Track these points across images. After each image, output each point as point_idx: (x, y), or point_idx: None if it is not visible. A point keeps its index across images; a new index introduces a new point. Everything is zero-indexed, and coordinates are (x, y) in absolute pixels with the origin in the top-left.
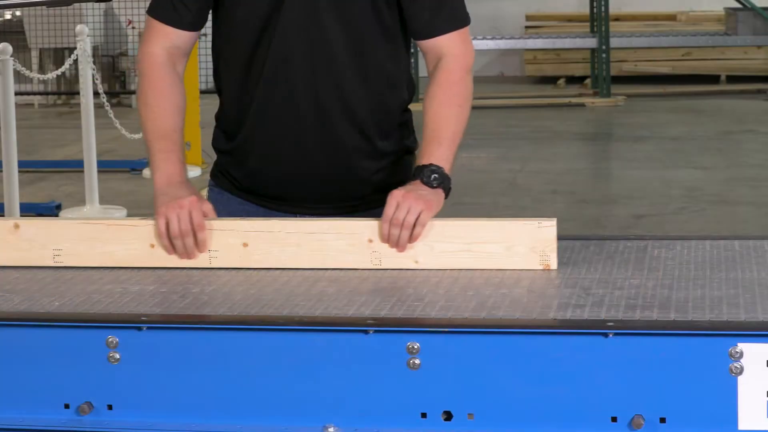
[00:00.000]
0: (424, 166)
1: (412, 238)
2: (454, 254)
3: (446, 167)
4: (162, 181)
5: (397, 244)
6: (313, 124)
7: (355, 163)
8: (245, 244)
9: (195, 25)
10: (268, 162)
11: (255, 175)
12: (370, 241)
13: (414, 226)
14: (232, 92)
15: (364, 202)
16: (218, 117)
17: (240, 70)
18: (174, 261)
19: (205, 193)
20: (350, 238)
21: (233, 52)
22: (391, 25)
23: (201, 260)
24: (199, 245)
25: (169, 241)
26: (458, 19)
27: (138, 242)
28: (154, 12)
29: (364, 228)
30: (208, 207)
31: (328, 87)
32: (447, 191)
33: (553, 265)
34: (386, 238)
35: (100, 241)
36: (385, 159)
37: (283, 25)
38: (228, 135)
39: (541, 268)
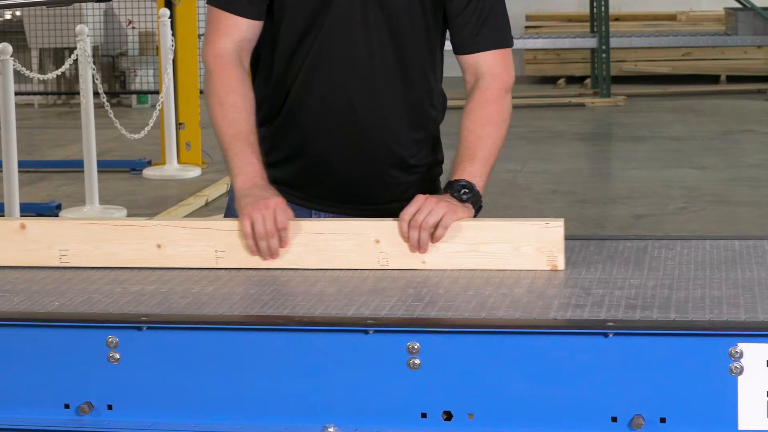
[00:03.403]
0: (455, 181)
1: (434, 239)
2: (461, 254)
3: (479, 185)
4: (244, 184)
5: (418, 246)
6: (344, 127)
7: (383, 171)
8: None
9: (262, 15)
10: (295, 157)
11: (279, 166)
12: (377, 241)
13: (436, 228)
14: (268, 84)
15: (387, 210)
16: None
17: (280, 64)
18: (180, 261)
19: None
20: (357, 239)
21: (276, 45)
22: (434, 37)
23: (207, 260)
24: (281, 243)
25: (254, 242)
26: (501, 39)
27: (145, 242)
28: (222, 3)
29: (371, 228)
30: (290, 212)
31: (363, 92)
32: (477, 209)
33: (561, 265)
34: (405, 238)
35: (106, 241)
36: (414, 170)
37: (329, 25)
38: (258, 124)
39: (548, 268)
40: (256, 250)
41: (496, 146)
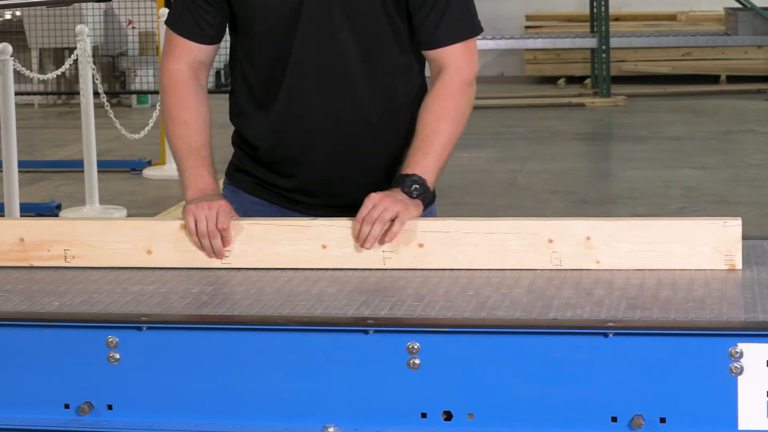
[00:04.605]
0: (407, 176)
1: (389, 235)
2: (636, 254)
3: (429, 180)
4: (194, 195)
5: (366, 240)
6: (330, 134)
7: (371, 171)
8: (420, 245)
9: (216, 39)
10: (286, 168)
11: (272, 178)
12: (551, 241)
13: (392, 223)
14: (250, 101)
15: None
16: (235, 118)
17: (258, 82)
18: (345, 262)
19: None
20: (530, 238)
21: (251, 64)
22: (404, 35)
23: (374, 261)
24: (223, 242)
25: (198, 240)
26: (463, 30)
27: (311, 242)
28: (175, 27)
29: (543, 228)
30: (234, 214)
31: (343, 98)
32: (426, 204)
33: (738, 265)
34: (356, 236)
35: (268, 241)
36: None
37: (299, 40)
38: (247, 140)
39: (726, 268)
40: (201, 247)
41: (451, 141)
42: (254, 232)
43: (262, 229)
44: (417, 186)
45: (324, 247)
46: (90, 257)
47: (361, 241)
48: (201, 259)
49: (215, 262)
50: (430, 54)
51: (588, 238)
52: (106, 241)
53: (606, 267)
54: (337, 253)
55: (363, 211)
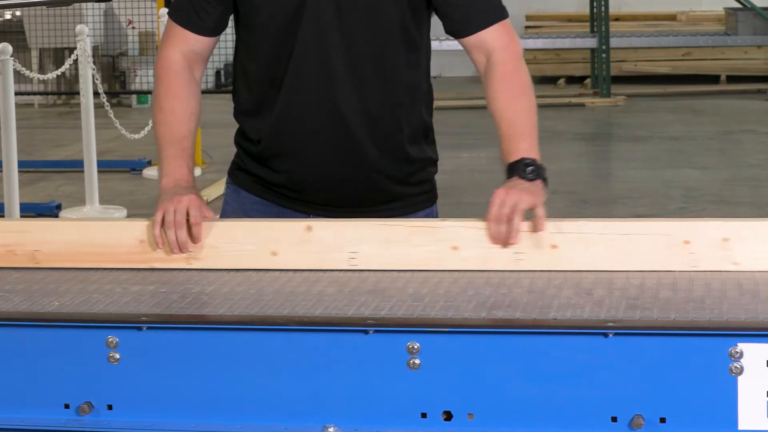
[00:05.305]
0: (516, 162)
1: (539, 225)
2: None
3: (537, 158)
4: (168, 185)
5: (510, 237)
6: (333, 131)
7: (375, 171)
8: (554, 246)
9: (215, 31)
10: (287, 163)
11: (273, 176)
12: (687, 242)
13: (521, 216)
14: (252, 98)
15: (383, 209)
16: (237, 114)
17: (261, 77)
18: (475, 264)
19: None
20: (665, 240)
21: (254, 58)
22: (414, 34)
23: (506, 262)
24: (193, 239)
25: (161, 232)
26: (497, 11)
27: (439, 244)
28: (174, 15)
29: (679, 229)
30: (209, 212)
31: (348, 95)
32: (545, 181)
33: None
34: (493, 237)
35: (395, 243)
36: (406, 168)
37: (303, 34)
38: (248, 137)
39: None
40: (162, 241)
41: (533, 116)
42: (381, 233)
43: (389, 230)
44: (531, 167)
45: (454, 248)
46: (213, 259)
47: (500, 240)
48: (328, 260)
49: (340, 263)
50: (472, 41)
51: (725, 239)
52: (229, 243)
53: (744, 269)
54: (468, 254)
55: (493, 209)
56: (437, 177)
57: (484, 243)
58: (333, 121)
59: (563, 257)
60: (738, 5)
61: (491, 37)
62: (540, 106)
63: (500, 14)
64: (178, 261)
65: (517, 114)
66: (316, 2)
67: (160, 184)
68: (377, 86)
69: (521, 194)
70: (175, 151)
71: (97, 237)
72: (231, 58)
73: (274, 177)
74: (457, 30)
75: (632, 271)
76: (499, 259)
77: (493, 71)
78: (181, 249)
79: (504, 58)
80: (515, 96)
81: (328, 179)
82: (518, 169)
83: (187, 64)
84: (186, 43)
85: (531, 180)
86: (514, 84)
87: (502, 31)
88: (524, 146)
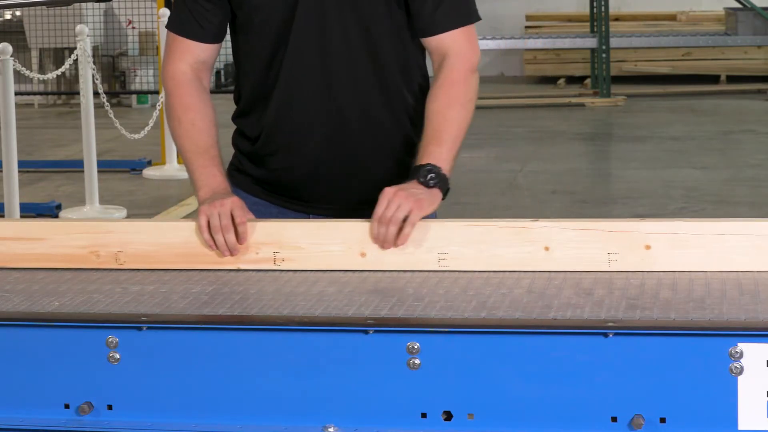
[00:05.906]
0: (421, 166)
1: (401, 238)
2: None
3: (445, 168)
4: (206, 195)
5: (384, 242)
6: (327, 126)
7: (371, 167)
8: (647, 247)
9: (218, 37)
10: (284, 160)
11: (271, 176)
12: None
13: (404, 224)
14: (251, 97)
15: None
16: (237, 118)
17: (258, 77)
18: (568, 264)
19: None
20: (759, 240)
21: (251, 59)
22: (405, 29)
23: (599, 263)
24: (239, 239)
25: (211, 236)
26: (462, 16)
27: (531, 245)
28: (176, 27)
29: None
30: (251, 214)
31: (343, 90)
32: (445, 192)
33: None
34: (375, 238)
35: (486, 243)
36: (403, 163)
37: (296, 33)
38: (245, 135)
39: None
40: (213, 245)
41: (462, 128)
42: (473, 233)
43: (480, 231)
44: (432, 175)
45: (547, 249)
46: (300, 260)
47: (378, 242)
48: (422, 261)
49: (430, 264)
50: (431, 42)
51: None
52: (316, 243)
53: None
54: (559, 255)
55: (378, 209)
56: None
57: (576, 244)
58: (329, 116)
59: (657, 258)
60: (738, 5)
61: (448, 41)
62: (540, 106)
63: (466, 19)
64: (266, 261)
65: (446, 122)
66: (307, 2)
67: (197, 197)
68: (372, 81)
69: (407, 200)
70: (205, 161)
71: (178, 238)
72: (231, 59)
73: (270, 176)
74: (421, 29)
75: (727, 272)
76: (592, 260)
77: (441, 75)
78: (231, 252)
79: (456, 65)
80: (451, 104)
81: (325, 176)
82: (419, 174)
83: (195, 74)
84: (191, 53)
85: (429, 187)
86: (455, 92)
87: (461, 37)
88: (438, 153)
